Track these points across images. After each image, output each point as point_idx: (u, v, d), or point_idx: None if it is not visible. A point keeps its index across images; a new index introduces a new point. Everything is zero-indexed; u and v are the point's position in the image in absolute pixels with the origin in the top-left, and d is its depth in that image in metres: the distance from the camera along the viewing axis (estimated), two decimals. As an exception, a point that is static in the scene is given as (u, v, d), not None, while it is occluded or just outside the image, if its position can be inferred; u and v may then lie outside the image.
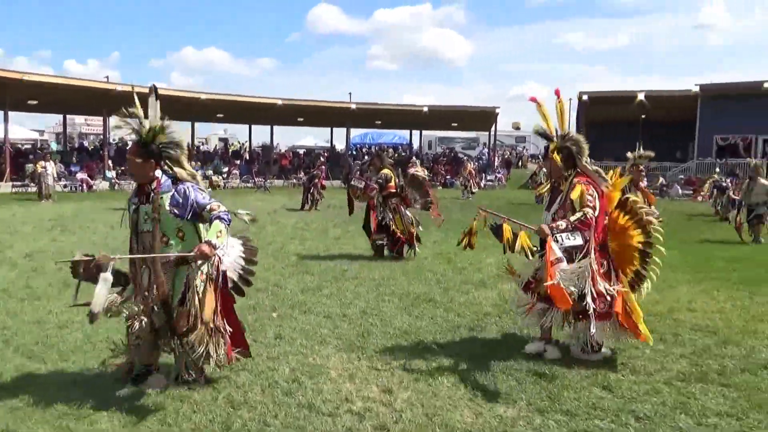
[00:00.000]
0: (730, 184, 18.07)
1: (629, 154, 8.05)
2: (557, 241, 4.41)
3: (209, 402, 3.90)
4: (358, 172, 20.34)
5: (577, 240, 4.46)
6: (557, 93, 4.73)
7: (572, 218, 4.45)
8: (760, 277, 8.19)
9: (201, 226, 3.95)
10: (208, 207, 3.83)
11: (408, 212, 9.42)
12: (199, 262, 3.78)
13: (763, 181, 11.84)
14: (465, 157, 37.51)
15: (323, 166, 27.09)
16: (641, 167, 8.06)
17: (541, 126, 4.77)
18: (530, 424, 3.67)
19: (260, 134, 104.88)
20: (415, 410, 3.83)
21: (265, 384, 4.20)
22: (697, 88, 29.88)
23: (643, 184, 8.44)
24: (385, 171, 9.50)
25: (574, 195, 4.49)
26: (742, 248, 11.21)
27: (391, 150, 47.49)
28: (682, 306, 6.54)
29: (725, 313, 6.30)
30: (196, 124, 38.84)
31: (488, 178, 34.04)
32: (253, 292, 6.20)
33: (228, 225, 3.78)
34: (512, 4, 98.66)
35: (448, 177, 33.80)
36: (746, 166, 13.65)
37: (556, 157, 4.66)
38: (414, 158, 25.30)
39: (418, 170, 10.13)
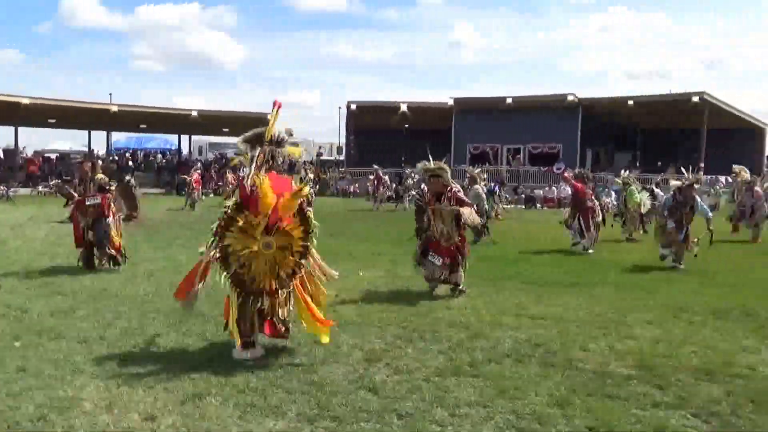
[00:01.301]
0: (496, 189, 20.50)
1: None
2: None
3: None
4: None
5: None
6: (276, 104, 5.27)
7: None
8: (505, 274, 9.26)
9: None
10: None
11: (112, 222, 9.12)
12: None
13: (476, 187, 13.46)
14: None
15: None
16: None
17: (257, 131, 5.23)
18: (299, 436, 3.66)
19: (2, 136, 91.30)
20: (179, 437, 3.58)
21: (3, 427, 3.61)
22: (451, 101, 33.06)
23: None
24: (99, 176, 9.21)
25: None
26: (489, 247, 12.59)
27: (160, 155, 44.86)
28: (441, 305, 7.11)
29: (476, 308, 6.96)
30: None
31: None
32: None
33: None
34: (283, 10, 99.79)
35: (220, 184, 32.85)
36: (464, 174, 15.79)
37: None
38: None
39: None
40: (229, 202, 5.15)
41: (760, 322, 6.44)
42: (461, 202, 7.60)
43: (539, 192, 29.70)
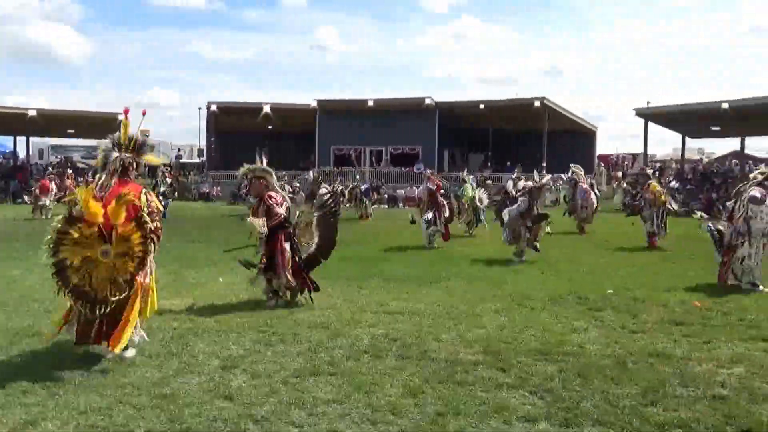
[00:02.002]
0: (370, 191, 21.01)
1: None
2: None
3: None
4: None
5: None
6: (125, 112, 5.32)
7: None
8: (367, 273, 9.47)
9: None
10: None
11: None
12: None
13: (322, 191, 13.78)
14: (86, 167, 34.39)
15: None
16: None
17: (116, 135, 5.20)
18: (149, 453, 3.52)
19: None
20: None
21: None
22: (315, 103, 33.17)
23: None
24: None
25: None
26: (352, 249, 12.79)
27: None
28: (302, 307, 7.12)
29: (337, 308, 7.07)
30: None
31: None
32: None
33: None
34: (134, 4, 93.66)
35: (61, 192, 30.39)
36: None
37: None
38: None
39: None
40: (58, 217, 4.99)
41: (589, 305, 7.16)
42: (268, 211, 7.10)
43: (401, 192, 30.62)
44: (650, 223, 12.80)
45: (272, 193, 7.27)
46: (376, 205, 27.14)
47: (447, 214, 13.36)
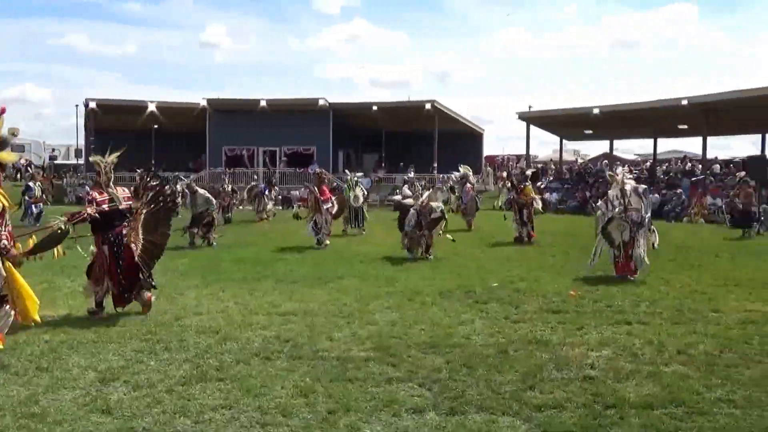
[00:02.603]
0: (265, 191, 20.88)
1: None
2: None
3: None
4: None
5: None
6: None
7: None
8: (260, 275, 9.31)
9: None
10: None
11: None
12: None
13: (201, 192, 13.67)
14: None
15: None
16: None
17: None
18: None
19: None
20: None
21: None
22: (204, 102, 32.08)
23: None
24: None
25: None
26: (246, 250, 12.54)
27: None
28: (189, 311, 6.88)
29: (228, 311, 6.89)
30: None
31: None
32: None
33: None
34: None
35: None
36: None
37: None
38: None
39: None
40: None
41: (475, 298, 7.48)
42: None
43: (295, 193, 30.32)
44: (518, 221, 13.52)
45: (91, 190, 6.91)
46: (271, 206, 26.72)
47: (335, 210, 13.54)
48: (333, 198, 13.76)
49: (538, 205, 13.90)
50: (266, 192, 21.65)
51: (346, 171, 17.46)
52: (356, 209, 15.73)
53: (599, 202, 9.81)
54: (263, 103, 31.80)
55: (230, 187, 20.98)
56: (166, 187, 7.39)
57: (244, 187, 23.64)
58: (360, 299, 7.46)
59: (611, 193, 9.29)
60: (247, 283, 8.63)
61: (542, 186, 28.28)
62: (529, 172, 15.61)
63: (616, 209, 8.90)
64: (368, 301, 7.33)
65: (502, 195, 17.31)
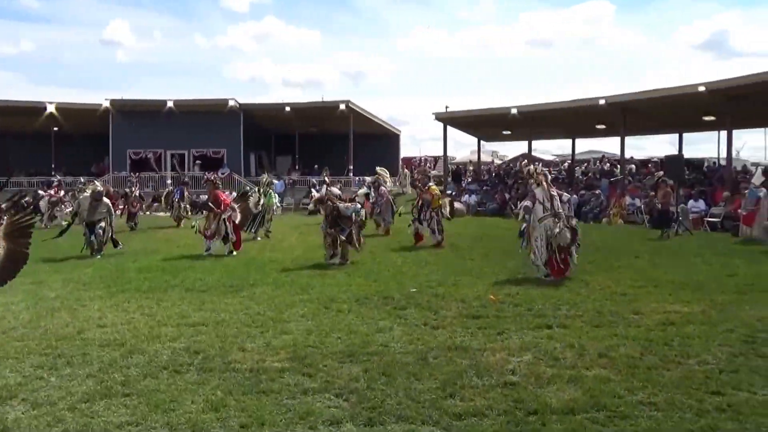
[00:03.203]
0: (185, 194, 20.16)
1: None
2: None
3: None
4: None
5: None
6: None
7: None
8: (168, 284, 8.92)
9: None
10: None
11: None
12: None
13: (106, 201, 13.08)
14: None
15: None
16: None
17: None
18: None
19: None
20: None
21: None
22: (107, 103, 30.53)
23: None
24: None
25: None
26: (153, 258, 12.01)
27: None
28: (93, 324, 6.51)
29: (134, 323, 6.57)
30: None
31: None
32: None
33: None
34: None
35: None
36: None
37: None
38: None
39: None
40: None
41: (393, 304, 7.45)
42: None
43: (204, 197, 29.38)
44: (426, 223, 13.54)
45: None
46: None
47: (237, 219, 13.05)
48: (236, 206, 13.27)
49: (446, 210, 14.04)
50: (183, 194, 20.84)
51: (264, 174, 16.97)
52: (255, 214, 15.40)
53: (526, 201, 9.80)
54: (170, 104, 30.68)
55: (138, 192, 20.08)
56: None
57: (151, 193, 22.73)
58: (274, 308, 7.30)
59: (539, 193, 9.42)
60: (153, 292, 8.27)
61: (462, 188, 28.83)
62: (432, 173, 15.71)
63: (549, 211, 9.15)
64: (282, 310, 7.18)
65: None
